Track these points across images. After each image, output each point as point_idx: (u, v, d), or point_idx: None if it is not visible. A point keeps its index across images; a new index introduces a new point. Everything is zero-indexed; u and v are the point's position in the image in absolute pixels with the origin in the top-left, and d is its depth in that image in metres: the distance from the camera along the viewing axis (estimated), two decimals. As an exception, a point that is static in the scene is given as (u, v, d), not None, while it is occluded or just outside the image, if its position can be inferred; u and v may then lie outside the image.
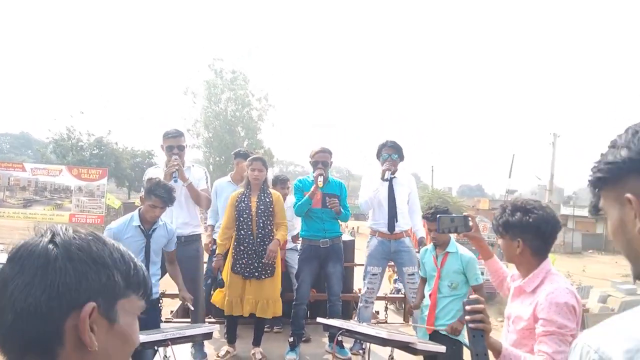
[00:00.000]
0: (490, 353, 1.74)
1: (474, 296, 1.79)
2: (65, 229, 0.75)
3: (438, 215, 2.45)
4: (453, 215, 2.46)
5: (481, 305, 1.72)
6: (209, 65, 34.04)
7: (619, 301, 12.78)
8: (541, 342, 1.81)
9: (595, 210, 0.91)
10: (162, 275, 3.77)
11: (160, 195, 3.35)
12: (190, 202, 4.10)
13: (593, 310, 12.39)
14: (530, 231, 1.94)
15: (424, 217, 3.65)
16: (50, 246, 0.71)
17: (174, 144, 4.05)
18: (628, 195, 0.81)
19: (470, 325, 1.70)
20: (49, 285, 0.68)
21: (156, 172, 4.14)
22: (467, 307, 1.71)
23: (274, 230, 4.05)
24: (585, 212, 33.53)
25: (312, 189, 4.06)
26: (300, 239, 4.37)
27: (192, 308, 3.69)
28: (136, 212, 3.50)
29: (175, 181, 3.87)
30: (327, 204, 4.07)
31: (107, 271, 0.73)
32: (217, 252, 4.05)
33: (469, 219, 2.38)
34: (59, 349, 0.69)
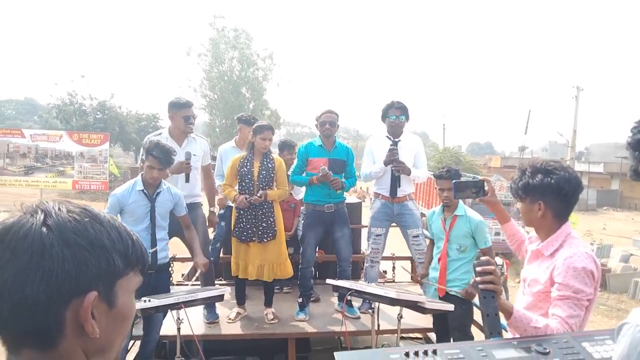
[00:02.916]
0: (501, 314, 1.75)
1: (484, 257, 1.78)
2: (58, 208, 0.70)
3: (454, 182, 2.42)
4: (469, 180, 2.40)
5: (492, 267, 1.72)
6: (210, 24, 33.34)
7: (642, 260, 12.32)
8: (556, 306, 1.80)
9: (636, 175, 0.85)
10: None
11: (157, 155, 3.33)
12: (195, 174, 4.11)
13: (615, 270, 12.08)
14: (552, 193, 1.88)
15: (436, 176, 3.61)
16: (44, 230, 0.66)
17: (190, 114, 4.04)
18: None
19: (481, 286, 1.70)
20: (47, 274, 0.65)
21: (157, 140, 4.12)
22: (478, 269, 1.71)
23: None
24: (599, 169, 33.26)
25: (315, 178, 4.03)
26: (304, 203, 4.37)
27: (206, 269, 3.73)
28: (139, 176, 3.49)
29: (188, 158, 3.92)
30: (329, 187, 4.03)
31: (107, 255, 0.70)
32: (230, 196, 4.02)
33: (485, 183, 2.33)
34: (59, 338, 0.67)
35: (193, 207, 4.09)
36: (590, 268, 1.79)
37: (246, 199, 3.87)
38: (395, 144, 4.17)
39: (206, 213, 4.41)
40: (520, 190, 1.97)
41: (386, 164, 4.13)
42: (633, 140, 0.82)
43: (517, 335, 1.83)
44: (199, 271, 4.17)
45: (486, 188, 2.31)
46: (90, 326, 0.68)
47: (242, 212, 3.94)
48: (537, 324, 1.74)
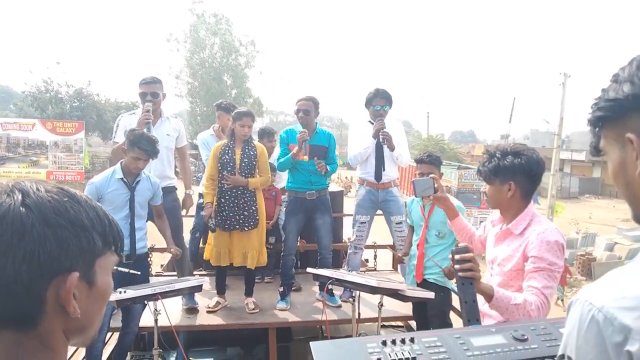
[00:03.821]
0: (481, 298, 1.76)
1: (462, 244, 1.78)
2: (36, 188, 0.69)
3: (413, 180, 2.51)
4: (426, 179, 2.48)
5: (470, 254, 1.72)
6: (189, 10, 32.77)
7: (627, 249, 12.39)
8: (531, 278, 1.88)
9: (596, 151, 0.85)
10: None
11: (144, 148, 3.30)
12: (166, 154, 4.02)
13: (600, 259, 12.06)
14: (523, 173, 1.97)
15: (417, 160, 3.61)
16: (23, 210, 0.65)
17: (147, 90, 3.93)
18: (629, 135, 0.74)
19: (460, 273, 1.69)
20: (28, 254, 0.64)
21: (130, 118, 4.03)
22: (457, 256, 1.71)
23: None
24: (581, 157, 33.74)
25: (294, 150, 4.00)
26: (287, 191, 4.33)
27: (179, 256, 3.71)
28: (118, 164, 3.43)
29: (149, 130, 3.76)
30: (316, 166, 4.00)
31: (87, 234, 0.70)
32: (205, 200, 4.00)
33: (434, 180, 2.43)
34: (40, 318, 0.66)
35: (166, 190, 3.97)
36: (561, 242, 1.91)
37: (210, 217, 3.91)
38: (380, 119, 4.13)
39: (181, 196, 4.33)
40: (490, 172, 2.05)
41: (374, 135, 4.12)
42: (593, 117, 0.82)
43: (498, 316, 1.91)
44: (175, 260, 4.11)
45: (435, 185, 2.41)
46: (72, 306, 0.67)
47: (223, 201, 3.90)
48: (516, 301, 1.80)
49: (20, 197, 0.67)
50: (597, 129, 0.83)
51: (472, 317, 1.64)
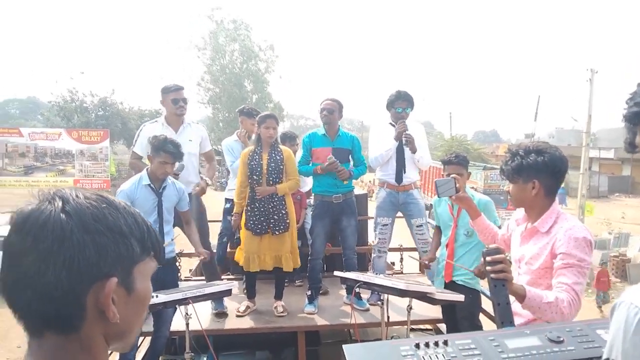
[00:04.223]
0: (513, 299, 1.75)
1: (493, 245, 1.77)
2: (75, 195, 0.71)
3: (435, 180, 2.49)
4: (448, 179, 2.48)
5: (501, 255, 1.71)
6: (208, 16, 33.14)
7: (662, 250, 11.87)
8: (560, 275, 1.87)
9: (631, 147, 0.83)
10: None
11: (170, 150, 3.38)
12: (189, 160, 4.10)
13: (635, 260, 11.67)
14: (546, 170, 1.96)
15: (444, 161, 3.60)
16: (64, 216, 0.67)
17: (178, 97, 4.06)
18: None
19: (492, 275, 1.68)
20: (68, 260, 0.66)
21: (153, 127, 4.11)
22: (488, 258, 1.69)
23: None
24: (610, 154, 32.84)
25: (322, 166, 4.03)
26: (313, 194, 4.35)
27: (207, 258, 3.79)
28: (144, 171, 3.51)
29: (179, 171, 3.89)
30: (337, 168, 4.00)
31: (125, 240, 0.71)
32: (234, 211, 4.07)
33: (455, 180, 2.43)
34: (80, 323, 0.68)
35: (191, 197, 4.06)
36: (589, 238, 1.90)
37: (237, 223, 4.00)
38: (402, 122, 4.13)
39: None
40: (513, 171, 2.03)
41: (396, 138, 4.12)
42: (629, 113, 0.80)
43: (531, 316, 1.91)
44: (203, 265, 4.19)
45: (457, 185, 2.41)
46: (111, 311, 0.69)
47: (253, 206, 3.94)
48: (548, 299, 1.78)
49: (60, 204, 0.69)
50: (632, 124, 0.81)
51: (505, 319, 1.62)
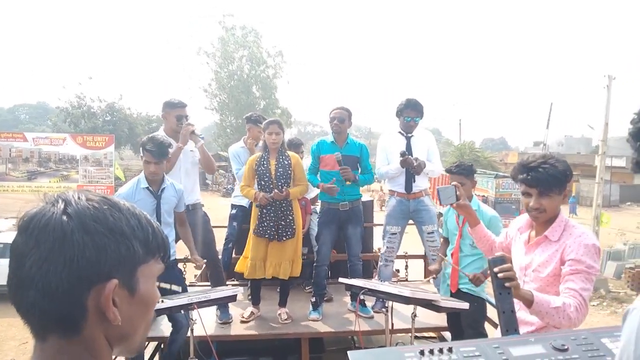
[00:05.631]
0: (520, 305, 1.75)
1: (499, 253, 1.77)
2: (78, 197, 0.72)
3: (437, 188, 2.51)
4: (448, 187, 2.47)
5: (508, 264, 1.71)
6: (219, 22, 33.34)
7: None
8: (568, 281, 1.88)
9: (637, 167, 0.82)
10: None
11: (150, 149, 3.34)
12: (191, 170, 4.12)
13: None
14: (568, 179, 1.99)
15: (447, 170, 3.61)
16: (65, 218, 0.68)
17: (183, 113, 4.08)
18: None
19: (505, 283, 1.68)
20: (68, 261, 0.66)
21: None
22: (495, 269, 1.70)
23: None
24: (622, 163, 32.54)
25: (321, 184, 4.08)
26: (319, 201, 4.35)
27: (204, 266, 3.80)
28: (141, 174, 3.53)
29: (181, 122, 3.98)
30: (341, 173, 4.01)
31: (126, 241, 0.71)
32: (249, 196, 4.03)
33: (455, 188, 2.43)
34: (83, 324, 0.69)
35: (197, 207, 4.10)
36: (598, 245, 1.93)
37: (265, 197, 3.87)
38: (405, 153, 4.05)
39: None
40: (549, 184, 1.96)
41: (402, 166, 4.11)
42: (634, 130, 0.78)
43: (538, 321, 1.92)
44: (209, 272, 4.18)
45: (458, 193, 2.41)
46: (112, 313, 0.69)
47: (264, 211, 3.94)
48: (556, 304, 1.79)
49: (62, 206, 0.70)
50: (638, 143, 0.79)
51: (510, 327, 1.62)
